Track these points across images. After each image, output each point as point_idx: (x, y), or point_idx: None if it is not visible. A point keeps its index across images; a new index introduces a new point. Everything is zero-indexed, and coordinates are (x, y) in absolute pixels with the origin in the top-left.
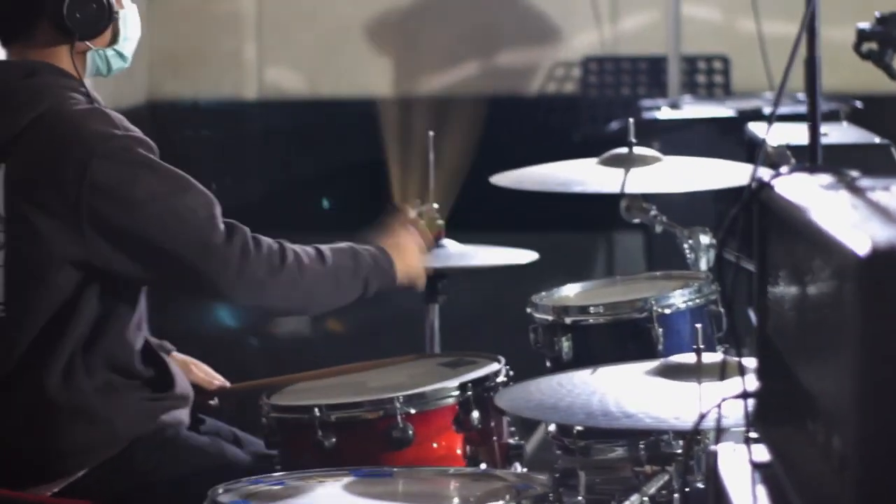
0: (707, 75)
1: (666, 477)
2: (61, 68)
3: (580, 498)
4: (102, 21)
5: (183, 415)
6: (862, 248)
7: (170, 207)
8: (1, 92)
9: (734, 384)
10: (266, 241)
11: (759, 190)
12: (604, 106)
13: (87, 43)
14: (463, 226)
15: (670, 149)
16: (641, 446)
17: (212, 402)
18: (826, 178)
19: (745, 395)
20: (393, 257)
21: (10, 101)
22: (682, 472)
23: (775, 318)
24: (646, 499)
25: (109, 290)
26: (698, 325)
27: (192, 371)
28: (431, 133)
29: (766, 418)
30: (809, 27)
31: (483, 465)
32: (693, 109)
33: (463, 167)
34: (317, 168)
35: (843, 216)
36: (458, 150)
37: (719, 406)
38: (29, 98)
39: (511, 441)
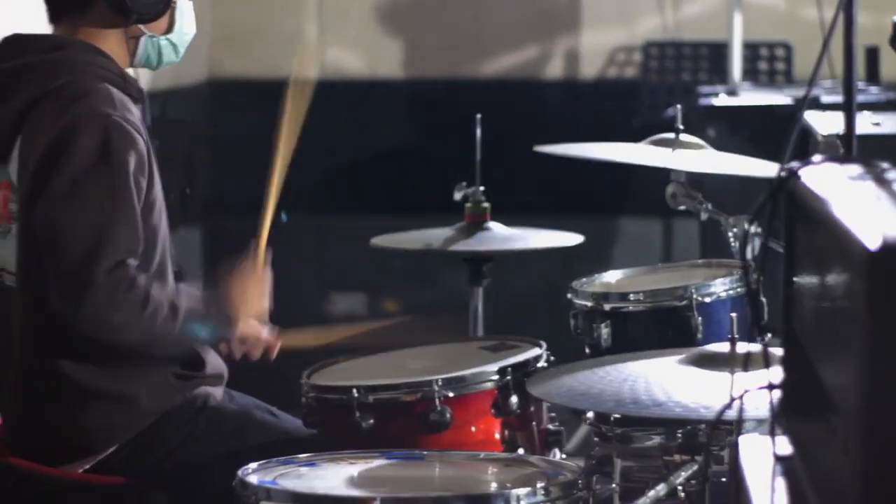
0: (769, 62)
1: (695, 467)
2: (96, 46)
3: (614, 485)
4: (162, 4)
5: (214, 391)
6: (873, 241)
7: (95, 212)
8: (24, 64)
9: (766, 375)
10: (138, 290)
11: (787, 179)
12: (664, 91)
13: (142, 28)
14: (510, 209)
15: (725, 136)
16: (679, 435)
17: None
18: (855, 169)
19: (769, 387)
20: (235, 305)
21: (30, 73)
22: (705, 463)
23: (799, 309)
24: (678, 488)
25: None
26: (733, 315)
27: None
28: (479, 116)
29: (789, 410)
30: (847, 14)
31: (521, 451)
32: (750, 97)
33: (514, 150)
34: (373, 148)
35: (862, 208)
36: (512, 133)
37: (741, 397)
38: (47, 72)
39: (550, 427)
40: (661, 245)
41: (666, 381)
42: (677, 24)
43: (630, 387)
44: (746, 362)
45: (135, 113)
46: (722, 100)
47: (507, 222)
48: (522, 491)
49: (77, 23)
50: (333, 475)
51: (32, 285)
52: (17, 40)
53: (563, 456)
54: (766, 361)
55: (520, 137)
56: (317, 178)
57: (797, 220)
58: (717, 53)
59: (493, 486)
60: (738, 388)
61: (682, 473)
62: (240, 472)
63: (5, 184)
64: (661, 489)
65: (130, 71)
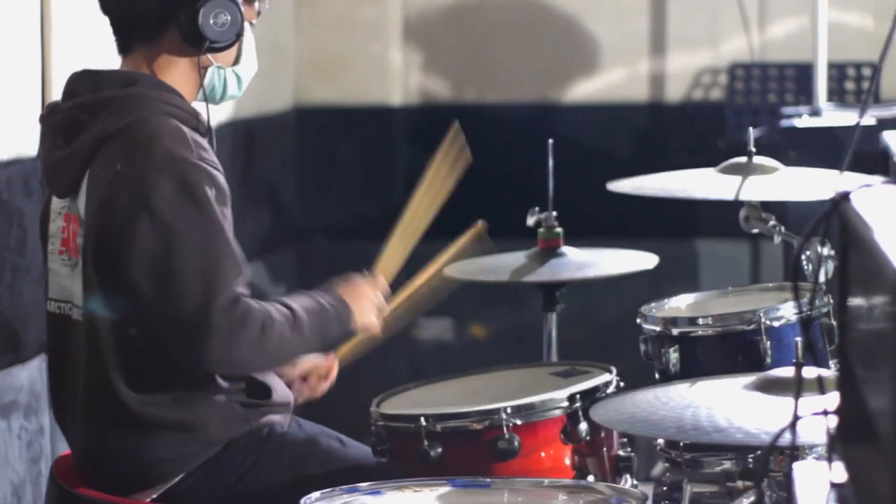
0: (856, 82)
1: (757, 493)
2: (164, 82)
3: None
4: (234, 33)
5: (280, 419)
6: None
7: (197, 257)
8: (96, 101)
9: (826, 400)
10: (254, 317)
11: (840, 202)
12: (749, 113)
13: (211, 58)
14: (583, 233)
15: (806, 157)
16: (749, 460)
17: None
18: None
19: (824, 413)
20: (353, 308)
21: (104, 110)
22: (758, 490)
23: (852, 332)
24: None
25: None
26: (798, 339)
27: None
28: (551, 141)
29: (844, 436)
30: None
31: (591, 477)
32: (833, 117)
33: (589, 174)
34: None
35: None
36: (590, 157)
37: (793, 424)
38: (120, 107)
39: (621, 452)
40: (749, 268)
41: (729, 407)
42: (763, 46)
43: (692, 413)
44: (799, 388)
45: (207, 147)
46: (803, 121)
47: (585, 244)
48: None
49: (148, 53)
50: (395, 503)
51: (96, 318)
52: (88, 75)
53: (635, 482)
54: (821, 387)
55: (604, 160)
56: (392, 203)
57: (849, 243)
58: (803, 74)
59: None
60: (800, 414)
61: (744, 500)
62: (303, 501)
63: (75, 218)
64: None
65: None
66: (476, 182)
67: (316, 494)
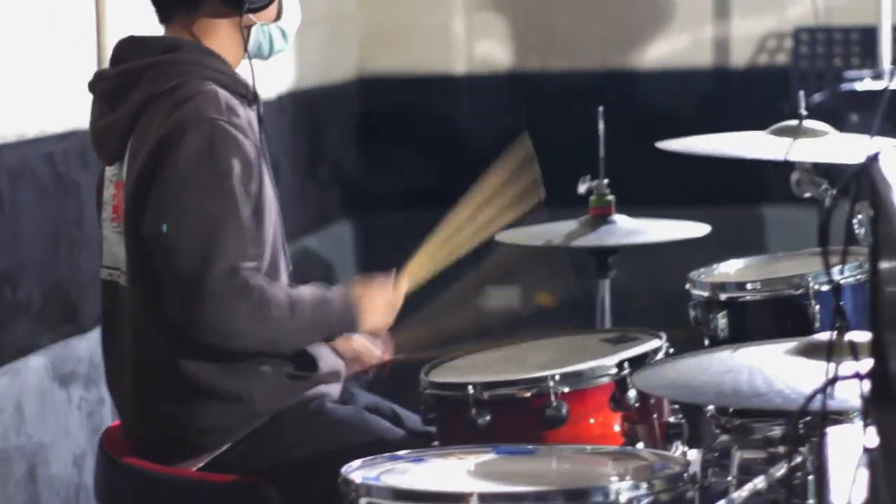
0: None
1: (798, 458)
2: (206, 47)
3: (730, 478)
4: None
5: (330, 389)
6: None
7: (203, 217)
8: (139, 66)
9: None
10: (254, 293)
11: (868, 165)
12: (814, 78)
13: (253, 17)
14: (645, 201)
15: (866, 120)
16: (800, 426)
17: (367, 377)
18: None
19: (857, 377)
20: (361, 310)
21: (145, 75)
22: (789, 453)
23: (882, 296)
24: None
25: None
26: (842, 303)
27: (351, 344)
28: (601, 108)
29: (876, 400)
30: None
31: (640, 445)
32: None
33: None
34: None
35: None
36: (654, 124)
37: (824, 388)
38: (160, 73)
39: (672, 419)
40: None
41: (770, 372)
42: (828, 10)
43: (733, 378)
44: (831, 352)
45: (242, 115)
46: (864, 84)
47: (638, 214)
48: (624, 485)
49: (189, 20)
50: (439, 471)
51: (143, 285)
52: (133, 42)
53: (685, 449)
54: (854, 352)
55: (669, 127)
56: (470, 171)
57: (879, 206)
58: (867, 38)
59: (597, 480)
60: (832, 377)
61: (784, 465)
62: (344, 469)
63: (121, 184)
64: (759, 482)
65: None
66: (542, 150)
67: (357, 462)
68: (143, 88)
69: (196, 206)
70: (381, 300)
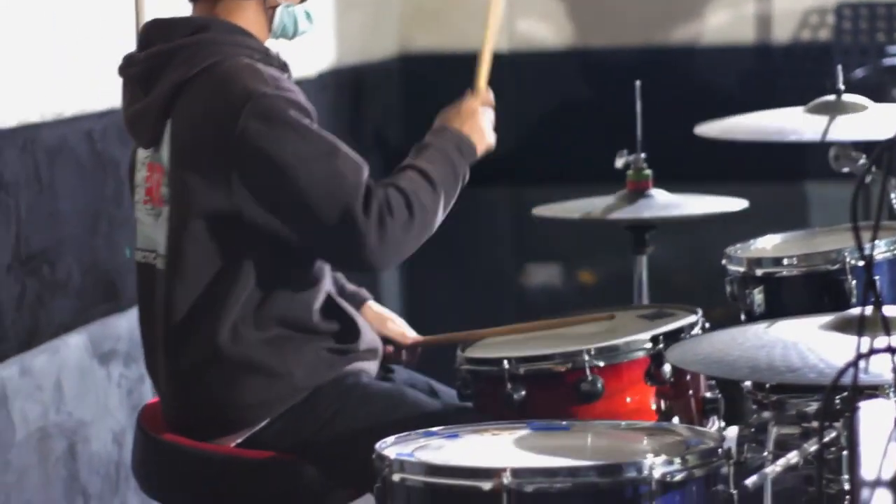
0: None
1: (833, 433)
2: (235, 24)
3: (766, 454)
4: None
5: (368, 366)
6: None
7: (315, 171)
8: (169, 49)
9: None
10: (394, 196)
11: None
12: (857, 53)
13: None
14: (674, 176)
15: None
16: (836, 401)
17: (405, 357)
18: None
19: (890, 350)
20: (469, 137)
21: (177, 57)
22: (821, 428)
23: None
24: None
25: (274, 248)
26: (876, 277)
27: (385, 325)
28: (638, 83)
29: None
30: None
31: (676, 420)
32: None
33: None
34: (566, 119)
35: None
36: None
37: (856, 363)
38: (193, 54)
39: (708, 395)
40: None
41: (805, 347)
42: None
43: (767, 353)
44: (862, 327)
45: (282, 78)
46: None
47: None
48: (658, 460)
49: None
50: (473, 447)
51: (186, 264)
52: (159, 25)
53: (722, 424)
54: (886, 327)
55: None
56: (513, 150)
57: None
58: None
59: (630, 455)
60: (863, 352)
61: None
62: (378, 445)
63: (157, 167)
64: (792, 456)
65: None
66: (580, 126)
67: (391, 438)
68: (177, 70)
69: (300, 170)
70: (477, 117)
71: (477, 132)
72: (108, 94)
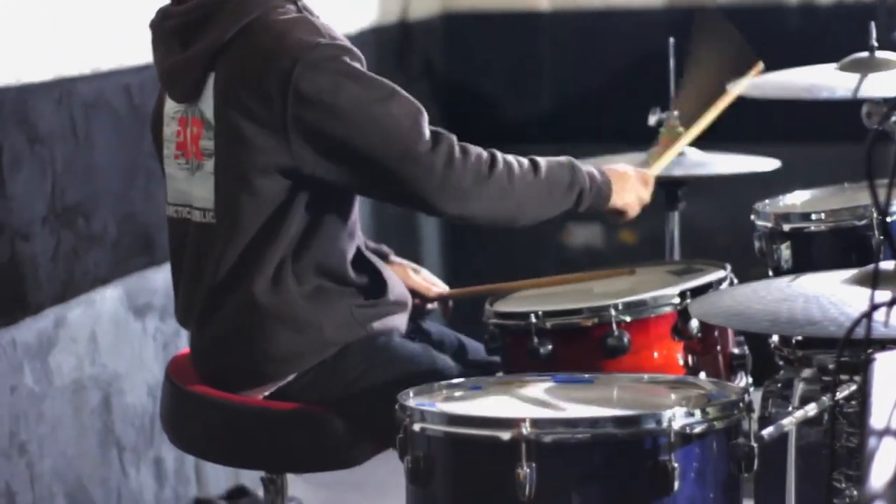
0: None
1: (853, 386)
2: None
3: (790, 408)
4: None
5: (398, 321)
6: None
7: (373, 115)
8: (211, 2)
9: None
10: (475, 149)
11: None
12: None
13: None
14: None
15: None
16: (863, 356)
17: (430, 307)
18: None
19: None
20: (612, 181)
21: (220, 11)
22: (835, 380)
23: None
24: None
25: (319, 198)
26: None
27: (410, 277)
28: (672, 40)
29: None
30: None
31: (702, 375)
32: None
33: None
34: (605, 79)
35: None
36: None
37: (869, 315)
38: (236, 7)
39: (735, 351)
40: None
41: (827, 301)
42: None
43: (788, 306)
44: (875, 279)
45: (335, 30)
46: None
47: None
48: (678, 411)
49: None
50: (495, 399)
51: (236, 218)
52: None
53: (750, 380)
54: None
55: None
56: (554, 110)
57: None
58: None
59: (651, 407)
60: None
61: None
62: (400, 396)
63: (195, 121)
64: (810, 408)
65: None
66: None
67: (414, 389)
68: (219, 25)
69: (360, 118)
70: (631, 182)
71: (620, 189)
72: (145, 48)
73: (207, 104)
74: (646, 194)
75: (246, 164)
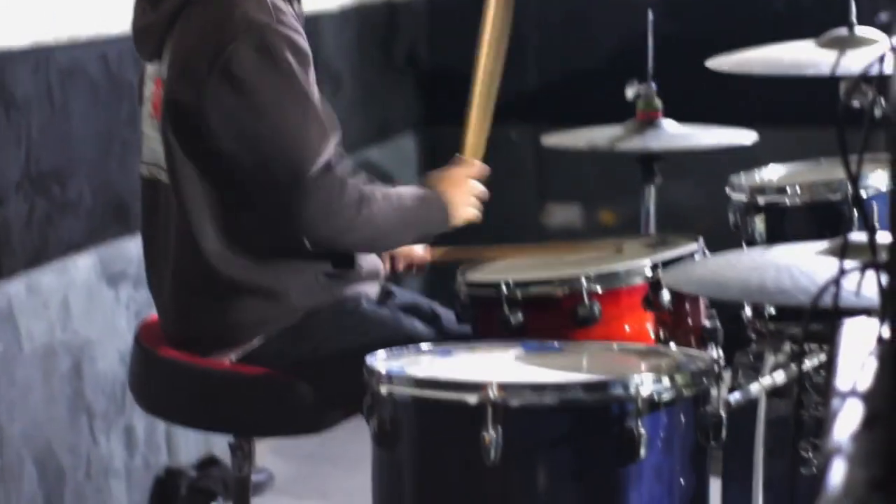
0: None
1: (822, 356)
2: None
3: (760, 378)
4: None
5: (368, 288)
6: None
7: (284, 120)
8: None
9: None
10: (350, 188)
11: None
12: None
13: None
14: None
15: None
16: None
17: (410, 272)
18: None
19: (873, 266)
20: (449, 201)
21: None
22: (801, 349)
23: None
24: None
25: None
26: (874, 203)
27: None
28: (650, 13)
29: (893, 294)
30: None
31: (672, 345)
32: None
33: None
34: (589, 58)
35: None
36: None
37: (837, 281)
38: None
39: (707, 323)
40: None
41: (798, 271)
42: None
43: (759, 275)
44: (844, 249)
45: (287, 12)
46: None
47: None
48: (646, 377)
49: None
50: (464, 363)
51: (184, 180)
52: None
53: (720, 352)
54: (873, 250)
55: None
56: (540, 88)
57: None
58: None
59: (619, 373)
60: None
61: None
62: (368, 359)
63: (159, 81)
64: (778, 376)
65: None
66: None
67: (382, 353)
68: None
69: (272, 111)
70: (464, 187)
71: (458, 201)
72: (124, 18)
73: (165, 66)
74: (475, 191)
75: (178, 126)
